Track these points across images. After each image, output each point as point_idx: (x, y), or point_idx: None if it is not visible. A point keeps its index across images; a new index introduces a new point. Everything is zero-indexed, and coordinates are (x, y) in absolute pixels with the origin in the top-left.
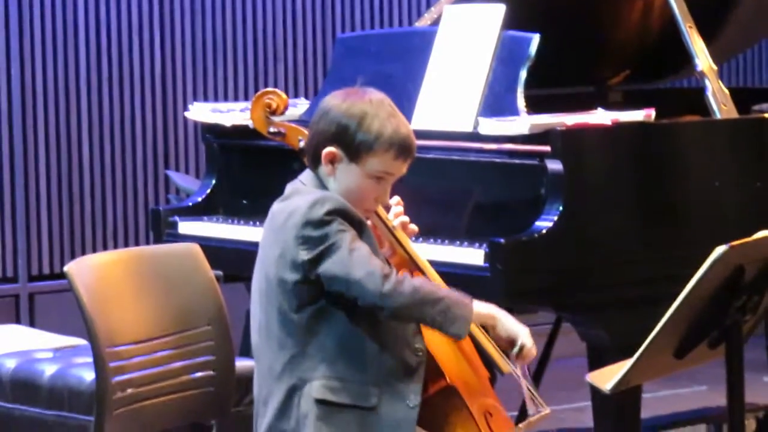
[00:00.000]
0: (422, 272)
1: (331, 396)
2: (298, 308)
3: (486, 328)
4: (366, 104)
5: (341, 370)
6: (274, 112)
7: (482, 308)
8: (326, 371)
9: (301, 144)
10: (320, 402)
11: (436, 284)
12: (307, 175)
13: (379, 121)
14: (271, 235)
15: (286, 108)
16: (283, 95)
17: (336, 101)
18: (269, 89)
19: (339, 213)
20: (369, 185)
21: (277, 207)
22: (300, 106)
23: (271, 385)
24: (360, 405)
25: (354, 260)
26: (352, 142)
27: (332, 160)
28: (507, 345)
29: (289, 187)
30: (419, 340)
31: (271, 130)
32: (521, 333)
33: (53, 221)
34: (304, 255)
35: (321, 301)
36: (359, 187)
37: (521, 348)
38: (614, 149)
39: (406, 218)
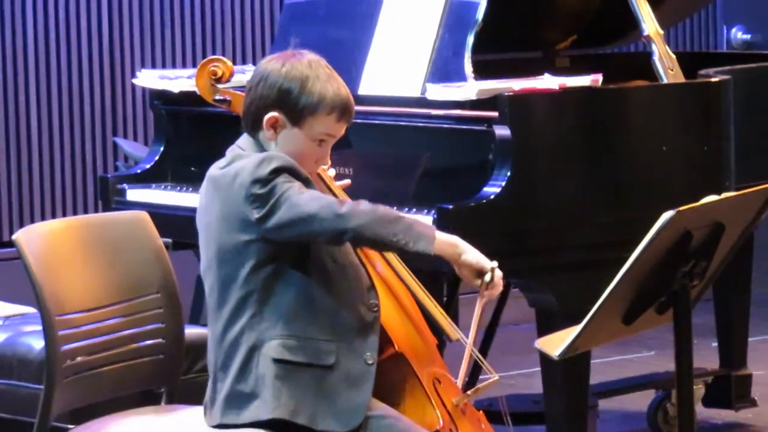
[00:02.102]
0: None
1: (288, 355)
2: (252, 269)
3: (452, 259)
4: (305, 66)
5: (298, 329)
6: (219, 80)
7: (445, 236)
8: (283, 330)
9: None
10: (278, 361)
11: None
12: (245, 141)
13: (320, 84)
14: (215, 200)
15: (231, 75)
16: (229, 63)
17: (274, 65)
18: (214, 57)
19: (286, 170)
20: (311, 148)
21: (218, 172)
22: (248, 73)
23: (228, 349)
24: (318, 363)
25: (304, 199)
26: (295, 106)
27: (274, 125)
28: (474, 275)
29: (229, 154)
30: (374, 296)
31: (217, 97)
32: (488, 262)
33: (1, 189)
34: (256, 213)
35: (275, 262)
36: (302, 150)
37: (492, 276)
38: (561, 114)
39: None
